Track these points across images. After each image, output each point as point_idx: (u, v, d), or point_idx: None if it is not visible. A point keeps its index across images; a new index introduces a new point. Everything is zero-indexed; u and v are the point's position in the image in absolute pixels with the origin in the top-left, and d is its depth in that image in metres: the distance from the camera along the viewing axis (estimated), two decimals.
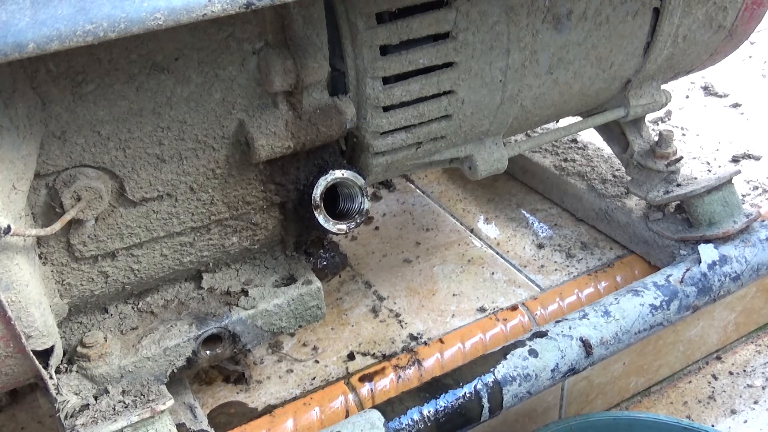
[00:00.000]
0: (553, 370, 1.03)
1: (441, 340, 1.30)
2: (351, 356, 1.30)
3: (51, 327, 0.82)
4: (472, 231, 1.63)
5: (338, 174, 0.95)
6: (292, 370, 1.27)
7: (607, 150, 1.62)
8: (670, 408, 1.53)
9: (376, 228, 1.67)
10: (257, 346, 1.03)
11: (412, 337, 1.34)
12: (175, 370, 0.96)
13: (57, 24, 0.58)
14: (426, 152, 1.08)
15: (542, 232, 1.60)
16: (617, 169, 1.60)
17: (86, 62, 0.78)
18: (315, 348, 1.32)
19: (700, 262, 1.23)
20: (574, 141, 1.73)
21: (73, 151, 0.82)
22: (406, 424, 0.95)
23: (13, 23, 0.57)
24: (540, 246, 1.56)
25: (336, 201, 1.00)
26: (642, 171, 1.40)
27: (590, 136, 1.71)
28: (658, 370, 1.57)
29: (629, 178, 1.45)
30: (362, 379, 1.21)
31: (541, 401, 1.42)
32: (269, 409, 1.18)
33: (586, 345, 1.05)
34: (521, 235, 1.60)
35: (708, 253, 1.24)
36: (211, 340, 0.98)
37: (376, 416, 0.95)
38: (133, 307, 1.00)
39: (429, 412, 0.97)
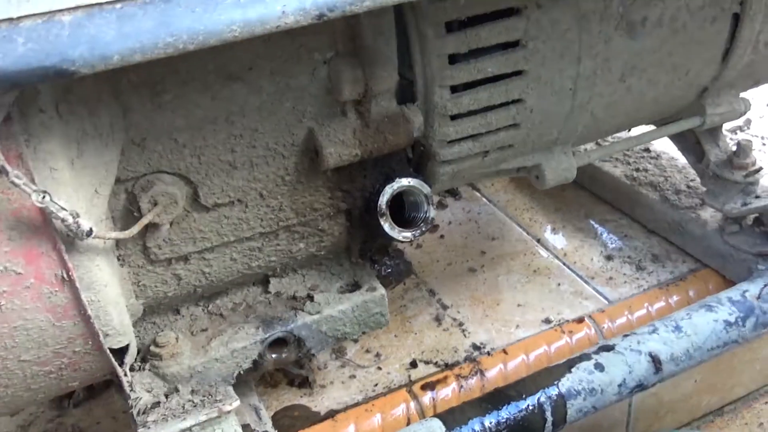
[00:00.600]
0: (619, 386, 1.01)
1: (504, 351, 1.28)
2: (413, 364, 1.30)
3: (127, 326, 0.85)
4: (538, 241, 1.61)
5: (404, 182, 0.95)
6: (354, 376, 1.28)
7: (682, 160, 1.58)
8: (744, 429, 1.46)
9: (441, 236, 1.67)
10: (321, 351, 1.04)
11: (475, 347, 1.33)
12: (242, 372, 0.98)
13: (140, 37, 0.60)
14: (493, 161, 1.08)
15: (611, 243, 1.56)
16: (692, 180, 1.55)
17: (165, 72, 0.81)
18: (378, 355, 1.32)
19: None
20: (647, 150, 1.69)
21: (151, 157, 0.85)
22: None
23: (100, 36, 0.60)
24: (609, 257, 1.52)
25: (402, 209, 1.00)
26: (718, 182, 1.36)
27: (664, 146, 1.67)
28: (733, 389, 1.50)
29: (704, 189, 1.40)
30: (424, 388, 1.21)
31: (607, 417, 1.36)
32: (332, 414, 1.19)
33: (656, 361, 1.02)
34: (589, 245, 1.57)
35: None
36: (277, 343, 1.00)
37: (437, 425, 0.95)
38: (203, 309, 1.03)
39: (491, 423, 0.96)
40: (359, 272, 1.07)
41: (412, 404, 1.19)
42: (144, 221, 0.83)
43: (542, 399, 0.98)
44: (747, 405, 1.51)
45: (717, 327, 1.10)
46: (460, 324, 1.39)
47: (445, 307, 1.43)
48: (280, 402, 1.23)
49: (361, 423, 1.17)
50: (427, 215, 0.98)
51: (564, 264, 1.52)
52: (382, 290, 1.04)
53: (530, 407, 0.98)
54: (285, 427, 1.17)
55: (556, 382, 1.00)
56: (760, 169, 1.31)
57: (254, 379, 1.18)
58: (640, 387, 1.03)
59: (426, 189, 0.97)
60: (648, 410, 1.41)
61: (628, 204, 1.61)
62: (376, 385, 1.26)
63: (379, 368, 1.30)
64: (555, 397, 0.99)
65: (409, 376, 1.27)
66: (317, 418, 1.19)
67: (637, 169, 1.62)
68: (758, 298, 1.14)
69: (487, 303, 1.43)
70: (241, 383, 1.02)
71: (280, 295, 1.04)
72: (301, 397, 1.24)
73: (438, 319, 1.40)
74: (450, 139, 1.00)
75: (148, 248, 0.90)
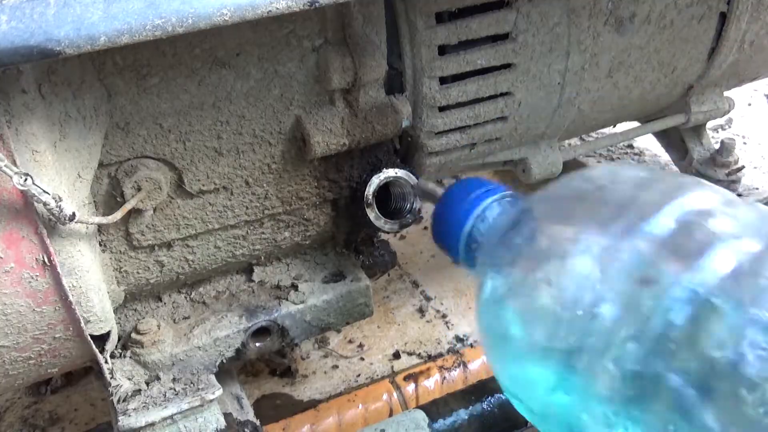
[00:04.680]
0: None
1: None
2: (396, 355, 1.30)
3: (108, 313, 0.84)
4: None
5: (391, 173, 0.95)
6: (337, 366, 1.28)
7: (665, 157, 1.58)
8: None
9: (425, 228, 1.66)
10: (305, 340, 1.04)
11: (459, 339, 1.33)
12: (225, 361, 0.97)
13: (128, 18, 0.59)
14: (480, 154, 1.07)
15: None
16: None
17: (151, 56, 0.80)
18: (361, 345, 1.32)
19: None
20: (630, 147, 1.70)
21: (136, 142, 0.84)
22: (450, 426, 0.94)
23: (87, 17, 0.58)
24: None
25: (388, 200, 1.00)
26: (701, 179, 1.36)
27: (647, 143, 1.68)
28: None
29: None
30: (407, 379, 1.20)
31: None
32: (314, 404, 1.19)
33: None
34: None
35: None
36: (260, 332, 0.99)
37: (421, 416, 0.94)
38: (186, 297, 1.02)
39: (474, 415, 0.96)
40: (344, 262, 1.06)
41: (395, 395, 1.18)
42: (127, 206, 0.82)
43: None
44: None
45: None
46: (444, 316, 1.39)
47: (428, 299, 1.44)
48: (262, 391, 1.23)
49: (344, 413, 1.15)
50: (414, 206, 0.97)
51: None
52: (366, 281, 1.03)
53: None
54: (267, 417, 1.17)
55: None
56: (743, 167, 1.32)
57: (236, 368, 1.17)
58: None
59: (413, 180, 0.97)
60: None
61: None
62: (359, 375, 1.26)
63: (362, 359, 1.30)
64: None
65: (392, 367, 1.27)
66: (299, 408, 1.19)
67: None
68: None
69: (470, 295, 1.44)
70: (223, 372, 1.01)
71: (264, 284, 1.03)
72: (284, 386, 1.24)
73: (421, 311, 1.40)
74: (438, 131, 0.99)
75: (130, 234, 0.89)
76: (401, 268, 1.54)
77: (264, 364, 1.27)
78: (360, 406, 1.16)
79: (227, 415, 0.98)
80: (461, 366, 1.23)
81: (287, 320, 0.99)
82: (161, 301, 1.01)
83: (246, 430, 0.98)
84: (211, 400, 0.90)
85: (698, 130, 1.37)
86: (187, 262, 0.96)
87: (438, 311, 1.40)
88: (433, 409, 0.96)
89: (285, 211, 0.97)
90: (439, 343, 1.32)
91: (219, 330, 0.96)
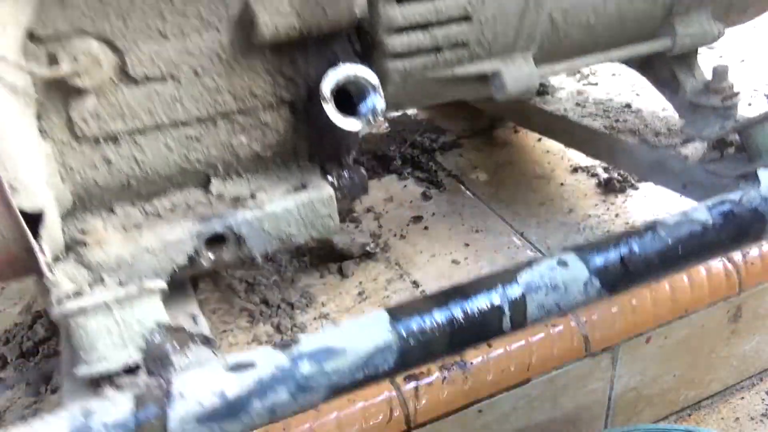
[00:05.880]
0: (585, 284, 0.90)
1: (488, 343, 1.20)
2: None
3: (39, 187, 0.79)
4: (522, 234, 1.57)
5: (349, 67, 0.91)
6: None
7: (663, 113, 1.54)
8: (720, 423, 1.45)
9: (425, 228, 1.63)
10: (264, 252, 0.96)
11: None
12: (176, 269, 0.91)
13: None
14: (448, 62, 1.02)
15: (594, 239, 1.51)
16: (673, 125, 1.49)
17: None
18: None
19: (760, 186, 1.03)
20: (628, 106, 1.65)
21: (73, 14, 0.82)
22: (415, 329, 0.84)
23: None
24: None
25: (352, 107, 0.95)
26: (696, 110, 1.29)
27: (645, 101, 1.65)
28: (710, 384, 1.49)
29: (683, 122, 1.35)
30: (407, 378, 1.16)
31: (586, 410, 1.34)
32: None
33: (626, 262, 0.92)
34: (572, 240, 1.52)
35: None
36: (216, 242, 0.93)
37: (385, 317, 0.84)
38: (140, 210, 0.97)
39: (442, 318, 0.85)
40: (307, 176, 1.00)
41: (395, 393, 1.14)
42: (61, 72, 0.79)
43: (499, 293, 0.87)
44: (724, 400, 1.51)
45: (694, 228, 0.96)
46: None
47: None
48: None
49: (344, 412, 1.11)
50: (375, 105, 0.92)
51: None
52: (330, 190, 0.97)
53: (486, 303, 0.86)
54: None
55: (515, 278, 0.89)
56: (738, 93, 1.25)
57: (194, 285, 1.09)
58: (608, 287, 0.92)
59: (374, 79, 0.92)
60: (627, 404, 1.40)
61: (607, 154, 1.54)
62: None
63: None
64: (514, 292, 0.87)
65: None
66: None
67: (617, 120, 1.56)
68: (739, 203, 1.01)
69: None
70: (181, 292, 0.94)
71: (223, 197, 0.98)
72: None
73: None
74: (397, 26, 0.95)
75: (73, 121, 0.86)
76: (401, 268, 1.48)
77: None
78: (360, 405, 1.12)
79: (179, 328, 0.90)
80: (461, 364, 1.18)
81: (244, 227, 0.93)
82: (113, 212, 0.96)
83: (196, 339, 0.89)
84: (152, 291, 0.82)
85: (689, 61, 1.31)
86: (137, 162, 0.91)
87: None
88: (399, 312, 0.85)
89: (239, 110, 0.93)
90: None
91: (170, 233, 0.91)
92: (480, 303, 0.86)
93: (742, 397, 1.51)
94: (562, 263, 0.90)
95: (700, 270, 1.37)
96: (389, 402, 1.12)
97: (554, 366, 1.25)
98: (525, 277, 0.89)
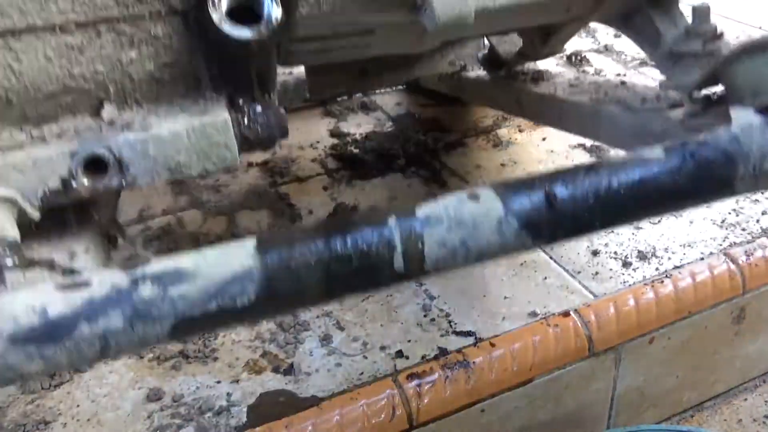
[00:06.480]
0: (499, 222, 0.73)
1: (491, 343, 1.28)
2: (399, 353, 1.29)
3: None
4: None
5: None
6: (340, 364, 1.28)
7: (656, 84, 1.43)
8: (723, 425, 1.47)
9: None
10: (150, 181, 0.87)
11: (462, 337, 1.32)
12: (48, 193, 0.83)
13: None
14: None
15: (597, 239, 1.57)
16: (663, 93, 1.40)
17: None
18: (365, 344, 1.32)
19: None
20: (623, 83, 1.55)
21: None
22: (284, 258, 0.70)
23: None
24: (595, 252, 1.53)
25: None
26: (678, 61, 1.17)
27: (641, 78, 1.65)
28: (713, 385, 1.51)
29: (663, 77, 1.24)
30: (410, 377, 1.21)
31: (589, 410, 1.38)
32: (316, 401, 1.19)
33: (550, 199, 0.75)
34: (575, 240, 1.55)
35: (743, 115, 0.84)
36: (96, 167, 0.85)
37: (251, 244, 0.71)
38: (27, 135, 0.88)
39: (318, 247, 0.70)
40: (212, 107, 0.90)
41: (397, 393, 1.19)
42: None
43: (391, 225, 0.72)
44: (726, 401, 1.53)
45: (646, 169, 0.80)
46: (447, 315, 1.38)
47: (432, 298, 1.43)
48: (264, 388, 1.23)
49: (346, 410, 1.17)
50: (269, 12, 0.82)
51: (551, 258, 1.53)
52: (225, 115, 0.87)
53: (374, 235, 0.71)
54: (269, 414, 1.17)
55: (413, 209, 0.74)
56: (722, 34, 1.10)
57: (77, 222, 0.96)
58: (531, 230, 0.75)
59: None
60: (630, 404, 1.42)
61: (593, 128, 1.44)
62: (362, 373, 1.26)
63: (365, 357, 1.29)
64: (409, 225, 0.72)
65: (395, 366, 1.27)
66: (302, 405, 1.19)
67: (606, 94, 1.46)
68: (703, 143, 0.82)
69: (473, 295, 1.43)
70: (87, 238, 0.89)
71: (114, 124, 0.87)
72: (286, 384, 1.24)
73: (425, 310, 1.40)
74: None
75: None
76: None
77: (267, 362, 1.27)
78: (362, 404, 1.17)
79: (48, 260, 0.85)
80: (464, 365, 1.23)
81: (126, 150, 0.84)
82: None
83: (58, 269, 0.84)
84: None
85: (670, 9, 1.20)
86: (14, 73, 0.82)
87: (441, 310, 1.40)
88: (269, 241, 0.71)
89: (123, 18, 0.83)
90: (441, 342, 1.31)
91: (40, 150, 0.82)
92: (366, 234, 0.71)
93: (746, 399, 1.53)
94: (474, 197, 0.75)
95: (704, 271, 1.40)
96: (391, 400, 1.17)
97: (557, 366, 1.28)
98: (425, 209, 0.73)
